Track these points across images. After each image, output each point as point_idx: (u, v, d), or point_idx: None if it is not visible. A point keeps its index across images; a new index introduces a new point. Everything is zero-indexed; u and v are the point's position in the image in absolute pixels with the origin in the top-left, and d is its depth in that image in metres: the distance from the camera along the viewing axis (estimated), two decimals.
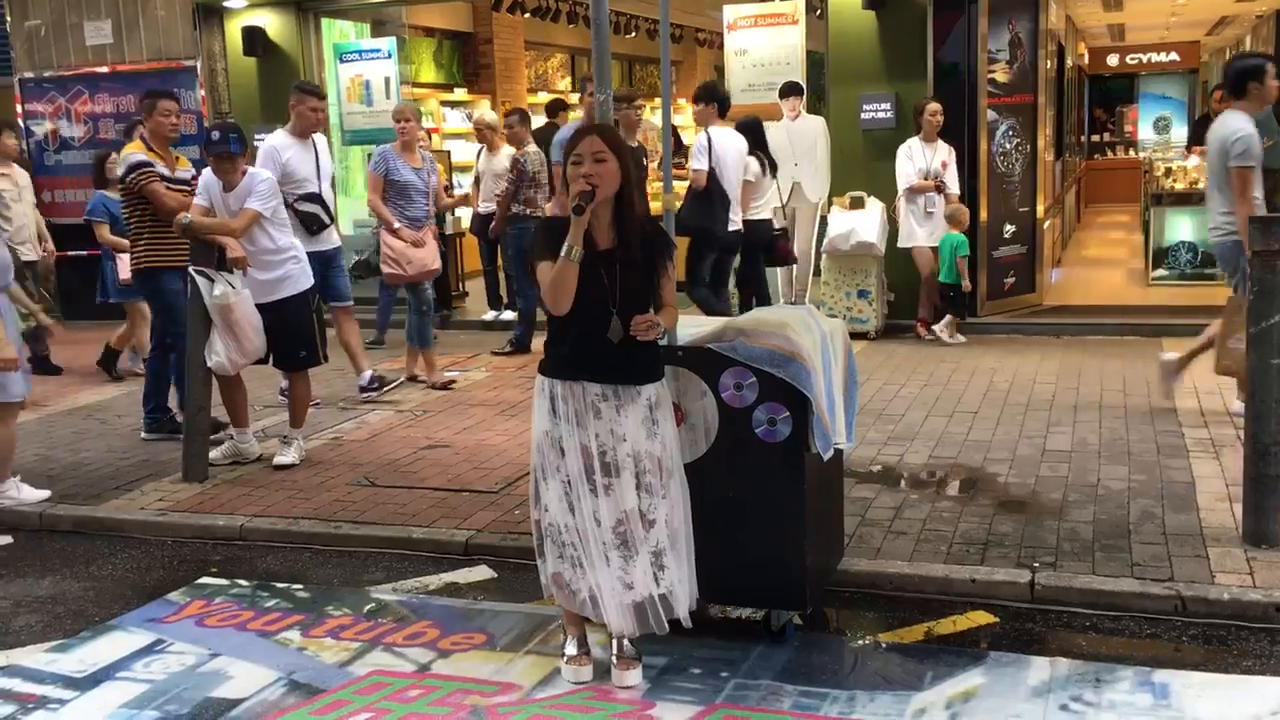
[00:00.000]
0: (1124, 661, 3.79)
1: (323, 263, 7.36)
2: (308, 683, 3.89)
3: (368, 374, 7.86)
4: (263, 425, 7.04)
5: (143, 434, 7.06)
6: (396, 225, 7.92)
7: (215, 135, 6.07)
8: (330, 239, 7.69)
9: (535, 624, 4.25)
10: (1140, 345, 8.64)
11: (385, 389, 7.89)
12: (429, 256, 8.13)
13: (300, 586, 4.78)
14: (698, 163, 8.03)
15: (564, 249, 3.51)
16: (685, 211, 7.97)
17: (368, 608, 4.50)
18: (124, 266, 8.00)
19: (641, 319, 3.58)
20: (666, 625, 3.69)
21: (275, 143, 7.56)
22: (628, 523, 3.62)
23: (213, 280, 5.97)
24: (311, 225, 7.44)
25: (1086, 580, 4.27)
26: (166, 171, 6.58)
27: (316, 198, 7.57)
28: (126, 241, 7.63)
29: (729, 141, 8.17)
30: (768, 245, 8.69)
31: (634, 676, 3.72)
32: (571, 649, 3.83)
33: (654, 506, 3.64)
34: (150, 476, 6.24)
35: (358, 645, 4.15)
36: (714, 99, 8.25)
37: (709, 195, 7.98)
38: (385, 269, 8.12)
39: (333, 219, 7.82)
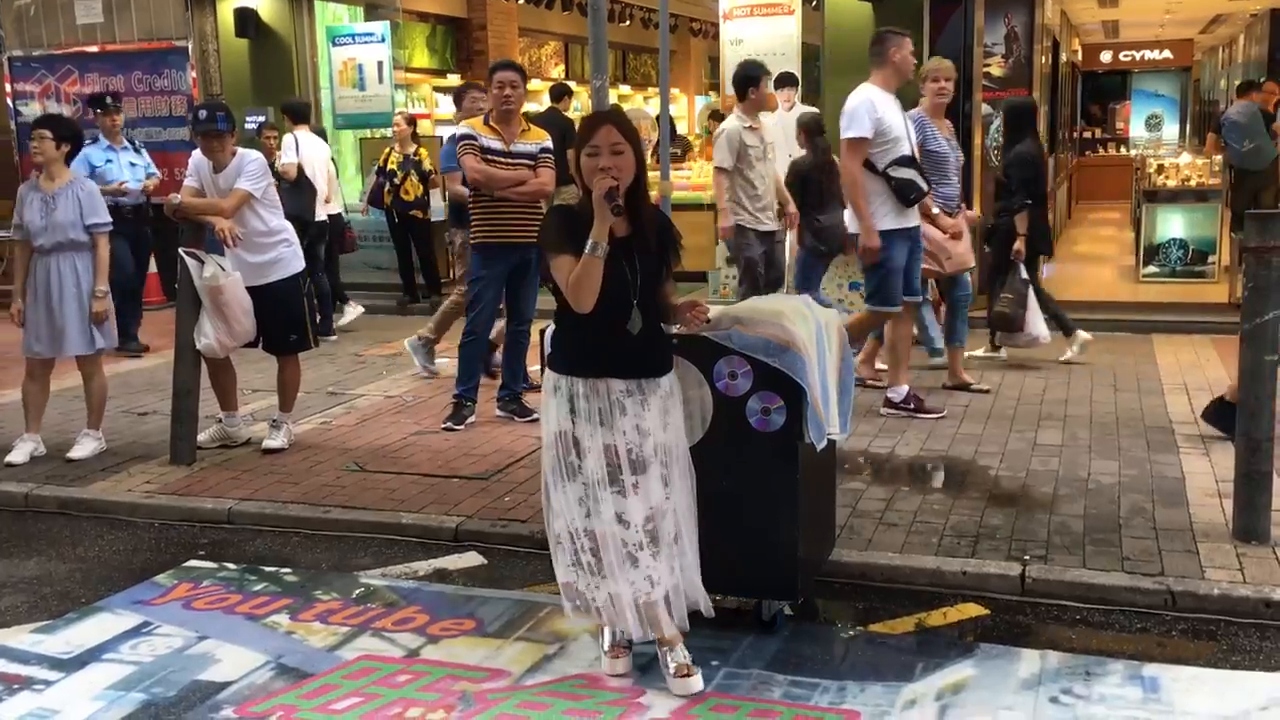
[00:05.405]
0: (1114, 655, 3.79)
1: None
2: (296, 666, 3.86)
3: (903, 389, 6.63)
4: (251, 409, 7.01)
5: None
6: (935, 210, 6.76)
7: (202, 114, 6.02)
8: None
9: (524, 610, 4.23)
10: (1131, 341, 8.66)
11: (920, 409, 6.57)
12: (967, 250, 6.99)
13: (289, 570, 4.76)
14: (288, 157, 9.54)
15: (589, 245, 3.38)
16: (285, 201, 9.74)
17: (356, 592, 4.48)
18: None
19: (698, 310, 3.60)
20: (687, 621, 3.61)
21: (872, 96, 6.29)
22: (656, 518, 3.51)
23: (203, 261, 5.94)
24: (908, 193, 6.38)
25: (1077, 574, 4.27)
26: (495, 144, 6.35)
27: (911, 160, 6.45)
28: None
29: (312, 144, 9.96)
30: (340, 235, 10.54)
31: (695, 684, 3.57)
32: (607, 641, 3.73)
33: (670, 495, 3.56)
34: (137, 459, 6.20)
35: (346, 630, 4.13)
36: (288, 111, 10.04)
37: (299, 187, 9.44)
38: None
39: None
